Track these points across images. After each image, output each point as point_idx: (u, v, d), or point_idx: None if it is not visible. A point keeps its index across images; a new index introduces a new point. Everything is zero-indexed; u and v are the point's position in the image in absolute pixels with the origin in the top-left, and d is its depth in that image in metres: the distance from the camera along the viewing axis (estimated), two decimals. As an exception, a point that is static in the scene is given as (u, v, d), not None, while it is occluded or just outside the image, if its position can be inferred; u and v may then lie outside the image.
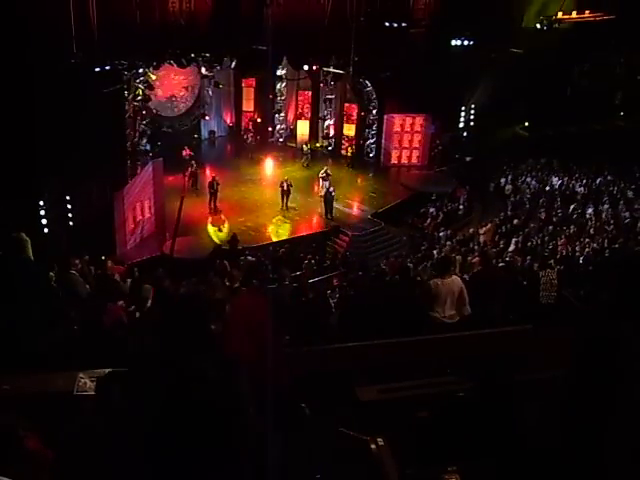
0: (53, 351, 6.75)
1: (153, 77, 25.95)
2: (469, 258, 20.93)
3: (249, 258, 21.19)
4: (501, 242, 23.81)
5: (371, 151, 32.40)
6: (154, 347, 4.03)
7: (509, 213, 27.68)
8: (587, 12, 36.13)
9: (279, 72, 32.63)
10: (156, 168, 25.01)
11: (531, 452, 4.13)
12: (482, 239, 24.69)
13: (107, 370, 4.77)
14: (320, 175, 27.84)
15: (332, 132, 33.73)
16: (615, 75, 38.71)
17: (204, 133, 33.94)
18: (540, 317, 10.68)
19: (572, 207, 27.52)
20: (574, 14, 36.30)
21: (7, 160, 18.82)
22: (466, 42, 31.40)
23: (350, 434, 4.22)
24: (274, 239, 25.36)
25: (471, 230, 26.15)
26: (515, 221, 26.12)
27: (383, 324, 9.64)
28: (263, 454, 3.46)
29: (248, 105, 34.17)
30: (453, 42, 31.24)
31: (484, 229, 25.58)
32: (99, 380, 4.56)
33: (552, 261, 16.26)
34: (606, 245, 22.05)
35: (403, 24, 29.57)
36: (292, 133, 34.68)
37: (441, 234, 25.75)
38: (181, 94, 31.93)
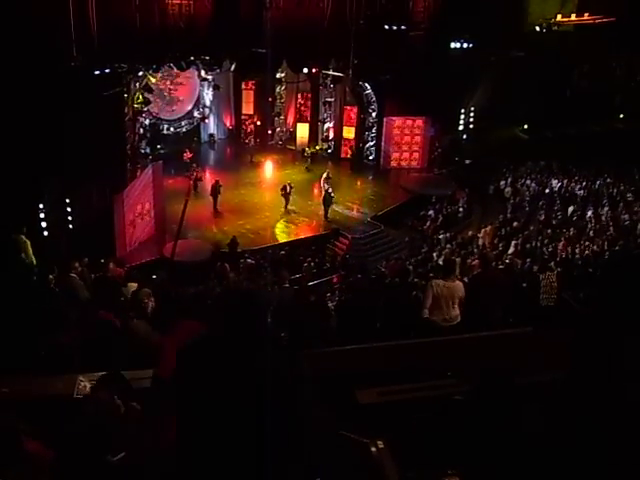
0: (53, 354, 6.75)
1: (153, 80, 25.98)
2: (469, 261, 20.92)
3: (249, 261, 21.20)
4: (501, 245, 23.80)
5: (371, 154, 32.41)
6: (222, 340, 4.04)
7: (509, 216, 27.68)
8: (586, 14, 36.18)
9: (278, 75, 32.68)
10: (156, 171, 25.02)
11: (531, 455, 4.13)
12: (482, 242, 24.68)
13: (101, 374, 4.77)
14: (322, 178, 27.85)
15: (332, 135, 33.75)
16: (615, 77, 38.74)
17: (204, 136, 33.95)
18: (540, 319, 10.70)
19: (572, 209, 27.52)
20: (573, 16, 36.37)
21: (7, 163, 18.83)
22: (465, 44, 31.44)
23: (350, 437, 4.21)
24: (280, 240, 25.38)
25: (471, 233, 26.14)
26: (515, 224, 26.13)
27: (382, 326, 9.65)
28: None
29: (248, 108, 34.19)
30: (452, 45, 31.28)
31: (484, 231, 25.57)
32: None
33: (552, 263, 16.27)
34: (606, 247, 22.06)
35: (402, 27, 29.60)
36: (292, 136, 34.69)
37: (441, 237, 25.75)
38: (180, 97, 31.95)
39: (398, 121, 31.61)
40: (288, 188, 27.15)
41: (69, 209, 22.20)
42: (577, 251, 22.04)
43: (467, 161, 32.55)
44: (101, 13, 22.21)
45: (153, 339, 5.05)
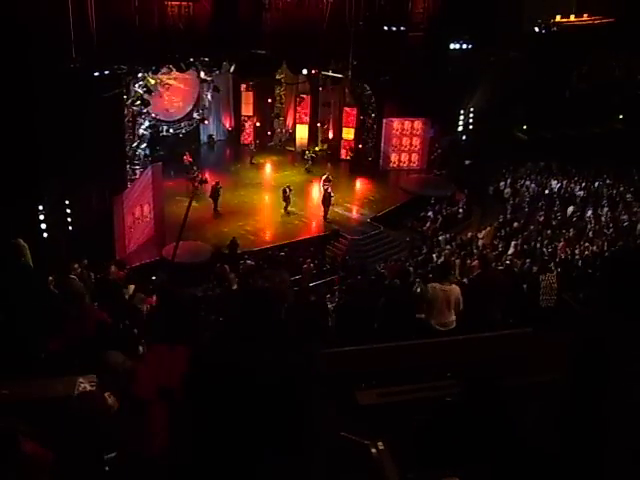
0: (53, 356, 6.74)
1: (152, 81, 25.98)
2: (468, 261, 20.93)
3: (248, 262, 21.20)
4: (500, 245, 23.80)
5: (370, 155, 32.39)
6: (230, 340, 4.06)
7: (508, 216, 27.69)
8: (586, 15, 36.22)
9: (278, 76, 32.65)
10: (155, 172, 25.02)
11: (531, 456, 4.13)
12: (481, 242, 24.68)
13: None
14: (322, 180, 27.83)
15: (331, 136, 33.75)
16: (614, 78, 38.74)
17: (203, 137, 33.96)
18: (540, 320, 10.70)
19: (571, 210, 27.52)
20: (572, 17, 36.41)
21: (6, 165, 18.84)
22: (465, 45, 31.44)
23: (350, 438, 4.22)
24: (280, 241, 25.40)
25: (470, 233, 26.14)
26: (515, 224, 26.14)
27: (382, 327, 9.64)
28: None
29: (247, 109, 34.17)
30: (452, 46, 31.28)
31: (483, 232, 25.59)
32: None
33: (552, 264, 16.28)
34: (605, 248, 22.05)
35: (402, 28, 29.61)
36: (291, 137, 34.68)
37: (440, 238, 25.74)
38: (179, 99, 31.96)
39: (397, 122, 31.62)
40: (288, 191, 27.15)
41: (68, 211, 22.22)
42: (577, 252, 22.05)
43: (466, 162, 32.55)
44: (100, 14, 22.24)
45: (124, 367, 5.07)
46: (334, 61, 29.58)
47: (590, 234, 24.65)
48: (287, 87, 33.70)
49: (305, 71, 30.69)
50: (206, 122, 33.18)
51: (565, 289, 12.56)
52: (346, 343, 8.28)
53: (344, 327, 10.07)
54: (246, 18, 27.01)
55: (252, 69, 29.43)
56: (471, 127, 34.29)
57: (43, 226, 21.34)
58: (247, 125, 34.27)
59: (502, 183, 31.23)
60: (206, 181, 27.89)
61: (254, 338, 3.73)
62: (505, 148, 33.54)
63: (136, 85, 24.97)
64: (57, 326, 7.16)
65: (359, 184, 31.11)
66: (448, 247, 24.29)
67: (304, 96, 33.49)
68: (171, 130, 31.29)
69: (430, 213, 28.12)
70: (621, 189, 29.84)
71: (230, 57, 28.62)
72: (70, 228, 22.28)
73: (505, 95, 31.93)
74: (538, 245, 23.66)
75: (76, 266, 12.40)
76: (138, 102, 25.27)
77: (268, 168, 32.27)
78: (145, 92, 25.43)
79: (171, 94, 30.68)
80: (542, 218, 26.95)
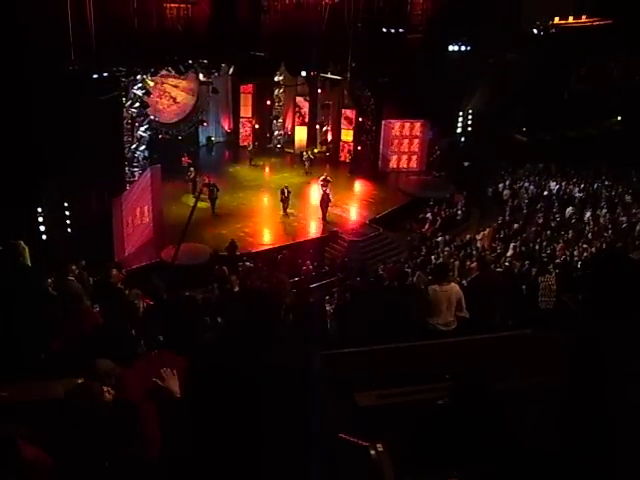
0: (52, 357, 6.74)
1: (151, 84, 25.98)
2: (467, 263, 20.94)
3: (247, 264, 21.19)
4: (499, 247, 23.80)
5: (369, 157, 32.40)
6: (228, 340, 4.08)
7: (507, 218, 27.69)
8: (584, 17, 36.27)
9: (277, 78, 32.66)
10: (154, 174, 25.04)
11: (530, 457, 4.13)
12: (480, 244, 24.69)
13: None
14: (320, 181, 27.85)
15: (330, 138, 33.76)
16: (612, 79, 38.79)
17: (202, 139, 33.97)
18: (539, 322, 10.69)
19: (570, 212, 27.53)
20: (571, 19, 36.46)
21: (5, 167, 18.84)
22: (463, 47, 31.48)
23: (349, 440, 4.22)
24: (279, 243, 25.39)
25: (469, 235, 26.15)
26: (515, 226, 26.14)
27: (381, 329, 9.64)
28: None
29: (246, 111, 34.19)
30: (450, 47, 31.33)
31: (482, 234, 25.58)
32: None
33: (551, 266, 16.28)
34: (604, 249, 22.04)
35: (400, 30, 29.65)
36: (290, 139, 34.69)
37: (439, 239, 25.74)
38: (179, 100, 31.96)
39: (396, 124, 31.65)
40: (286, 192, 27.15)
41: (67, 213, 22.22)
42: (576, 253, 22.06)
43: (465, 164, 32.56)
44: (99, 17, 22.24)
45: (113, 375, 5.08)
46: (333, 63, 29.62)
47: (589, 236, 24.66)
48: (286, 89, 33.70)
49: (304, 73, 30.74)
50: (205, 124, 33.20)
51: (564, 291, 12.57)
52: (345, 344, 8.28)
53: (343, 329, 10.08)
54: (245, 20, 27.02)
55: (251, 71, 29.44)
56: (470, 129, 34.33)
57: (42, 228, 21.34)
58: (246, 127, 34.27)
59: (501, 185, 31.24)
60: (195, 183, 27.75)
61: (253, 339, 3.74)
62: (504, 150, 33.55)
63: (135, 87, 24.98)
64: (55, 327, 7.17)
65: (358, 186, 31.11)
66: (447, 249, 24.29)
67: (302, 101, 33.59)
68: (170, 132, 31.30)
69: (429, 215, 28.12)
70: (620, 190, 29.86)
71: (229, 59, 28.63)
72: (69, 230, 22.28)
73: (504, 97, 31.95)
74: (537, 247, 23.67)
75: (74, 267, 12.40)
76: (137, 104, 25.28)
77: (267, 170, 32.28)
78: (144, 94, 25.44)
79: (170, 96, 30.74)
80: (541, 220, 26.95)
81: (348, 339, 9.30)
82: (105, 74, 22.71)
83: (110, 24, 22.57)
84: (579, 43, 34.86)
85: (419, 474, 4.23)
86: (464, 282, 12.96)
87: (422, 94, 27.89)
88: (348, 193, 30.02)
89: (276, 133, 34.70)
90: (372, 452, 4.09)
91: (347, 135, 32.98)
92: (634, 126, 34.70)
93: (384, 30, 29.24)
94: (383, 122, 31.47)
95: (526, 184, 31.29)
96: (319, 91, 32.93)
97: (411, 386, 6.02)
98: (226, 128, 34.83)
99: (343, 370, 7.01)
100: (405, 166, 32.33)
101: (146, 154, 27.09)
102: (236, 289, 13.30)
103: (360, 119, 32.15)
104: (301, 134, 34.21)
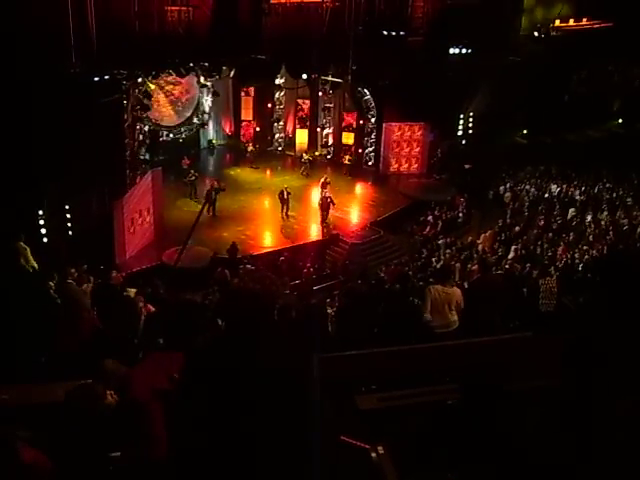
0: (52, 360, 6.75)
1: (152, 86, 26.02)
2: (468, 266, 20.94)
3: (248, 267, 21.20)
4: (500, 250, 23.80)
5: (370, 159, 32.45)
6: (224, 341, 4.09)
7: (508, 220, 27.69)
8: (585, 20, 36.28)
9: (278, 81, 32.69)
10: (155, 177, 25.06)
11: (530, 460, 4.13)
12: (481, 247, 24.69)
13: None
14: (320, 183, 27.85)
15: (331, 140, 33.78)
16: (613, 82, 38.79)
17: (203, 142, 34.00)
18: (540, 325, 10.69)
19: (571, 214, 27.52)
20: (572, 22, 36.46)
21: (6, 169, 18.85)
22: (464, 50, 31.49)
23: (350, 442, 4.21)
24: (280, 245, 25.37)
25: (470, 238, 26.16)
26: (516, 228, 26.14)
27: (382, 332, 9.63)
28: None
29: (247, 114, 34.21)
30: (451, 50, 31.33)
31: (483, 237, 25.59)
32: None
33: (552, 268, 16.28)
34: (605, 252, 22.04)
35: (401, 33, 29.69)
36: (291, 142, 34.70)
37: (440, 242, 25.76)
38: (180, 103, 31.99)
39: (397, 127, 31.67)
40: (285, 193, 27.15)
41: (68, 215, 22.23)
42: (577, 256, 22.05)
43: (466, 166, 32.57)
44: (100, 19, 22.29)
45: (119, 374, 5.07)
46: (334, 66, 29.67)
47: (590, 238, 24.65)
48: (287, 92, 33.73)
49: (305, 76, 30.75)
50: (206, 127, 33.25)
51: (565, 293, 12.56)
52: (346, 347, 8.27)
53: (344, 331, 10.06)
54: (246, 23, 27.06)
55: (252, 74, 29.47)
56: (471, 131, 34.34)
57: (43, 231, 21.35)
58: (247, 130, 34.29)
59: (502, 187, 31.23)
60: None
61: (248, 340, 3.74)
62: (505, 152, 33.56)
63: (136, 90, 25.01)
64: (55, 330, 7.18)
65: (359, 189, 31.14)
66: (448, 251, 24.30)
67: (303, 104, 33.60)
68: (171, 135, 31.34)
69: (430, 217, 28.13)
70: (621, 193, 29.85)
71: (230, 62, 28.69)
72: (70, 233, 22.28)
73: (504, 99, 31.96)
74: (538, 249, 23.67)
75: (73, 271, 12.40)
76: (138, 107, 25.31)
77: (268, 173, 32.30)
78: (145, 97, 25.47)
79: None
80: (542, 222, 26.95)
81: (349, 342, 9.29)
82: (106, 77, 22.73)
83: (111, 27, 22.61)
84: (580, 46, 34.83)
85: (421, 476, 4.23)
86: (465, 284, 12.96)
87: (423, 97, 27.91)
88: (349, 196, 30.03)
89: (277, 136, 34.74)
90: (373, 455, 4.09)
91: (348, 138, 33.00)
92: (635, 128, 34.70)
93: (385, 33, 29.29)
94: (384, 125, 31.50)
95: (527, 187, 31.28)
96: (320, 94, 32.96)
97: (412, 389, 6.01)
98: (227, 131, 34.85)
99: (344, 373, 7.00)
100: (406, 169, 32.34)
101: (147, 157, 27.14)
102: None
103: (361, 122, 32.19)
104: (302, 137, 34.23)
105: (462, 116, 33.79)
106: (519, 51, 33.51)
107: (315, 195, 28.77)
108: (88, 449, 4.12)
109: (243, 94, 33.71)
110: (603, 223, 26.49)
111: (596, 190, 30.60)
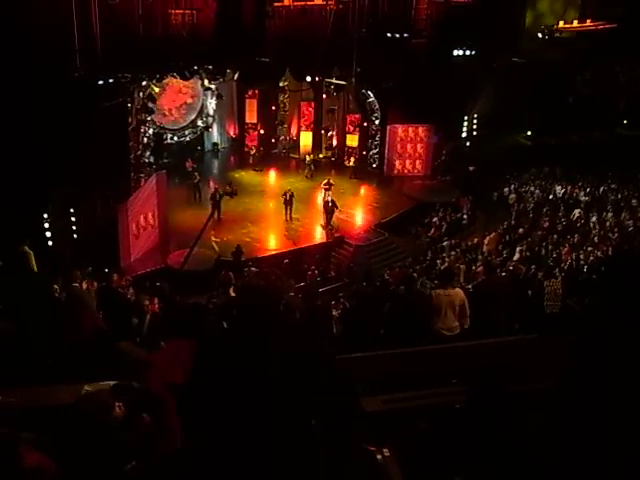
0: (57, 363, 6.75)
1: (156, 89, 26.06)
2: (473, 267, 20.90)
3: (253, 269, 21.21)
4: (505, 251, 23.76)
5: (374, 161, 32.43)
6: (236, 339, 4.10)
7: (513, 222, 27.63)
8: (588, 21, 36.22)
9: (282, 84, 32.71)
10: (159, 180, 25.09)
11: (534, 462, 4.12)
12: (486, 248, 24.65)
13: (111, 383, 4.76)
14: (322, 186, 27.84)
15: (335, 143, 33.79)
16: (617, 83, 38.72)
17: (207, 145, 34.04)
18: (545, 326, 10.68)
19: (576, 215, 27.47)
20: (575, 23, 36.41)
21: (11, 173, 18.90)
22: (468, 52, 31.47)
23: (356, 445, 4.21)
24: (284, 248, 25.36)
25: (475, 239, 26.11)
26: (520, 230, 26.08)
27: (387, 334, 9.63)
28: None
29: (251, 117, 34.23)
30: (455, 52, 31.31)
31: (488, 238, 25.54)
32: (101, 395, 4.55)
33: (557, 270, 16.24)
34: (610, 253, 21.98)
35: (405, 35, 29.65)
36: (295, 144, 34.70)
37: (445, 244, 25.72)
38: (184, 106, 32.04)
39: (401, 129, 31.66)
40: (288, 195, 27.15)
41: (73, 219, 22.27)
42: (581, 257, 21.99)
43: (471, 168, 32.53)
44: (104, 23, 22.32)
45: (139, 356, 5.08)
46: (338, 68, 29.63)
47: (595, 239, 24.58)
48: (291, 94, 33.74)
49: (309, 78, 30.73)
50: (210, 130, 33.29)
51: (570, 295, 12.54)
52: (351, 349, 8.27)
53: (349, 333, 10.07)
54: (250, 26, 27.07)
55: (256, 77, 29.50)
56: (475, 133, 34.32)
57: (48, 234, 21.39)
58: (251, 132, 34.29)
59: (506, 189, 31.19)
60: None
61: (252, 333, 3.74)
62: (509, 154, 33.52)
63: (140, 93, 25.06)
64: (61, 332, 7.19)
65: (363, 191, 31.14)
66: (453, 253, 24.27)
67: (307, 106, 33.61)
68: (175, 138, 31.38)
69: (435, 219, 28.12)
70: (626, 194, 29.78)
71: (234, 65, 28.71)
72: (75, 236, 22.32)
73: (509, 101, 31.93)
74: (543, 251, 23.62)
75: (78, 274, 12.43)
76: (142, 110, 25.35)
77: (272, 175, 32.32)
78: (149, 100, 25.51)
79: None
80: (547, 224, 26.90)
81: (354, 344, 9.29)
82: (110, 80, 22.75)
83: (115, 30, 22.65)
84: (584, 47, 34.79)
85: (426, 478, 4.22)
86: (470, 286, 12.94)
87: (427, 99, 27.91)
88: (353, 198, 30.03)
89: (281, 138, 34.75)
90: (379, 457, 4.09)
91: (352, 140, 33.01)
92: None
93: (389, 35, 29.27)
94: (388, 127, 31.50)
95: (532, 188, 31.22)
96: (324, 96, 32.97)
97: (417, 391, 6.01)
98: (231, 134, 34.88)
99: (349, 375, 6.99)
100: (410, 171, 32.33)
101: (151, 160, 27.17)
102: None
103: (365, 124, 32.20)
104: (306, 139, 34.24)
105: (466, 118, 33.78)
106: (523, 52, 33.48)
107: (320, 197, 28.78)
108: (93, 457, 4.12)
109: (247, 97, 33.74)
110: (608, 224, 26.42)
111: (601, 191, 30.53)
